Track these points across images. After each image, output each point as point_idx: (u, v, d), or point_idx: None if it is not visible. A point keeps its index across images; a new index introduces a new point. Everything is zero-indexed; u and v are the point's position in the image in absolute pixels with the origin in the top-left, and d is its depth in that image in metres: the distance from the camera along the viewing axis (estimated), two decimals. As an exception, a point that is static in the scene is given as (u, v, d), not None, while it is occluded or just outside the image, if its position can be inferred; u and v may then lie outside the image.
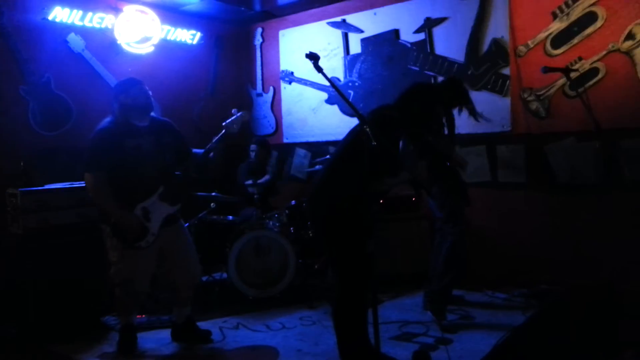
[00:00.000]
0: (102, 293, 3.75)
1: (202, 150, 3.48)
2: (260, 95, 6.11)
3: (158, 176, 3.26)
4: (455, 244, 3.58)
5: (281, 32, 5.90)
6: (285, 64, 5.89)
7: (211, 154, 3.44)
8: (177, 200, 3.35)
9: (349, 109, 5.22)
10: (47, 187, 3.83)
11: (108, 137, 3.16)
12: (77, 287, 3.69)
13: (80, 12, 4.65)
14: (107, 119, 3.27)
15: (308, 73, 5.67)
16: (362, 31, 5.28)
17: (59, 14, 4.53)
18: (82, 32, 4.68)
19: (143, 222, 3.17)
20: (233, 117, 3.46)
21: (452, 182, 3.55)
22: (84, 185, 3.83)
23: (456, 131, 3.60)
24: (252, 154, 5.04)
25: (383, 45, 5.12)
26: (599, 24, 3.96)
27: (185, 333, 3.48)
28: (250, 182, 4.52)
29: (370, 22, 5.22)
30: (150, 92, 3.33)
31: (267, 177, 4.91)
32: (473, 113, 3.64)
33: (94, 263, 3.75)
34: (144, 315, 3.83)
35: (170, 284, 3.45)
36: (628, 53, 3.84)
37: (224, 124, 3.45)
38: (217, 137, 3.43)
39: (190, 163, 3.51)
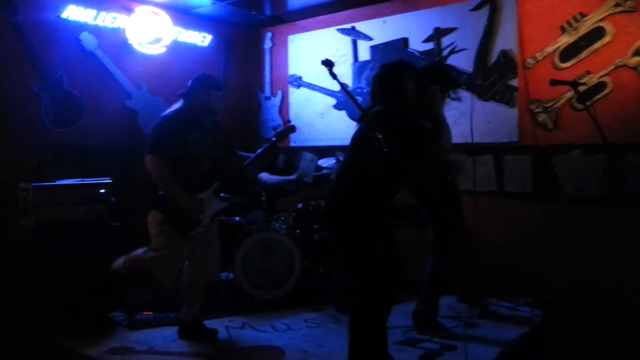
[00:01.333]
0: (110, 289, 3.78)
1: (247, 154, 3.60)
2: (268, 98, 6.17)
3: (214, 171, 3.36)
4: (436, 266, 3.55)
5: (290, 37, 5.96)
6: (293, 69, 5.95)
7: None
8: (228, 198, 3.45)
9: (357, 114, 5.26)
10: (58, 182, 3.86)
11: (173, 125, 3.25)
12: (85, 282, 3.72)
13: (94, 12, 4.70)
14: (175, 107, 3.37)
15: (316, 78, 5.72)
16: (371, 39, 5.35)
17: (73, 13, 4.57)
18: (95, 31, 4.73)
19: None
20: (284, 128, 3.67)
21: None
22: (95, 182, 3.93)
23: (456, 133, 3.56)
24: None
25: (392, 53, 5.18)
26: (607, 39, 4.02)
27: (193, 331, 3.51)
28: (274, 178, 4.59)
29: (379, 30, 5.28)
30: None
31: (293, 176, 4.91)
32: (455, 85, 3.62)
33: (103, 259, 3.78)
34: (151, 312, 3.86)
35: (190, 278, 3.48)
36: (636, 68, 3.90)
37: (274, 133, 3.59)
38: (267, 145, 3.54)
39: (235, 164, 3.59)
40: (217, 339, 3.51)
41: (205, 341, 3.48)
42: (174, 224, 3.20)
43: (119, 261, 3.48)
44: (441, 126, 2.71)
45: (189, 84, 3.41)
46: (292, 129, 3.71)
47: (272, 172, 4.86)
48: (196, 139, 3.28)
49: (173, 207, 3.18)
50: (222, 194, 3.41)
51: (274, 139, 3.54)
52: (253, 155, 3.55)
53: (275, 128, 5.57)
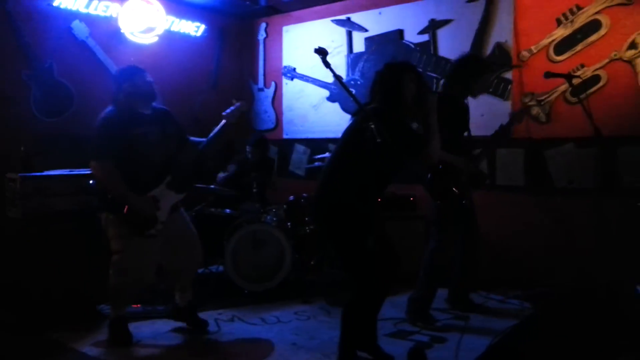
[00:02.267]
0: (98, 281, 3.74)
1: (200, 139, 3.49)
2: (261, 90, 6.12)
3: (165, 164, 3.27)
4: (435, 251, 3.54)
5: (285, 28, 5.91)
6: (287, 60, 5.90)
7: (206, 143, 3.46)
8: (183, 189, 3.37)
9: (350, 106, 5.23)
10: (46, 173, 3.82)
11: (114, 125, 3.14)
12: (74, 274, 3.69)
13: (86, 0, 4.64)
14: (111, 107, 3.24)
15: (310, 70, 5.68)
16: (366, 30, 5.30)
17: (65, 1, 4.52)
18: (87, 19, 4.68)
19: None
20: (232, 107, 3.47)
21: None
22: (84, 172, 3.88)
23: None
24: (249, 155, 4.98)
25: (387, 44, 5.14)
26: (602, 32, 3.99)
27: (186, 315, 3.52)
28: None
29: (374, 22, 5.24)
30: (152, 80, 3.33)
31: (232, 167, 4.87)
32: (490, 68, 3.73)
33: (91, 250, 3.75)
34: (139, 305, 3.83)
35: (174, 270, 3.47)
36: (630, 62, 3.88)
37: (223, 113, 3.46)
38: (217, 128, 3.44)
39: (189, 151, 3.50)
40: (207, 330, 3.49)
41: (196, 328, 3.48)
42: (130, 223, 3.13)
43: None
44: (431, 135, 2.70)
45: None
46: (243, 106, 3.51)
47: (263, 165, 4.83)
48: (139, 133, 3.17)
49: (126, 209, 3.10)
50: (178, 185, 3.32)
51: (223, 121, 3.44)
52: (206, 139, 3.45)
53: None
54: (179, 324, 3.57)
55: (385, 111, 2.68)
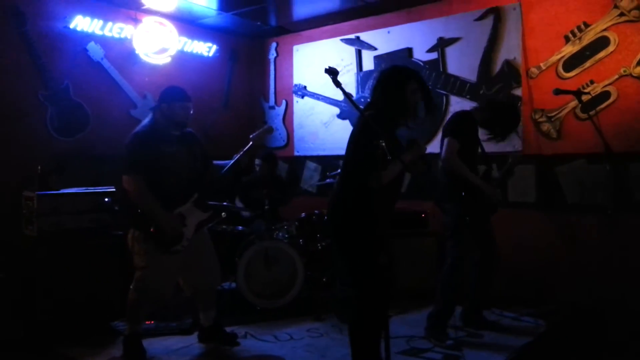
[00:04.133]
0: (112, 298, 3.78)
1: (223, 162, 3.56)
2: (272, 108, 6.20)
3: (192, 183, 3.35)
4: (452, 266, 3.55)
5: (295, 47, 6.00)
6: (298, 78, 5.98)
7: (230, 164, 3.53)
8: (209, 207, 3.44)
9: (360, 124, 5.27)
10: (62, 191, 3.89)
11: (146, 141, 3.21)
12: (88, 291, 3.73)
13: (101, 22, 4.75)
14: (145, 122, 3.33)
15: (321, 88, 5.75)
16: (375, 48, 5.37)
17: (80, 23, 4.63)
18: (102, 41, 4.79)
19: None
20: (260, 130, 3.58)
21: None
22: (100, 190, 3.95)
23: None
24: (257, 168, 5.05)
25: (396, 63, 5.19)
26: (611, 48, 4.02)
27: (213, 335, 3.55)
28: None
29: (383, 40, 5.31)
30: (192, 109, 3.38)
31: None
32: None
33: (106, 268, 3.81)
34: (152, 322, 3.85)
35: (193, 289, 3.49)
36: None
37: (251, 136, 3.55)
38: (244, 149, 3.52)
39: (214, 172, 3.57)
40: (238, 342, 3.54)
41: (226, 345, 3.51)
42: (155, 241, 3.17)
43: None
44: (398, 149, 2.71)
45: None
46: (270, 129, 3.65)
47: (273, 184, 4.87)
48: (170, 152, 3.24)
49: (154, 225, 3.15)
50: (205, 203, 3.39)
51: (250, 143, 3.51)
52: (229, 162, 3.52)
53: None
54: (191, 340, 3.59)
55: (379, 114, 2.68)
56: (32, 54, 4.32)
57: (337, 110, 5.66)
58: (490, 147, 3.86)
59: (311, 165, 5.82)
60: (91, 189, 3.99)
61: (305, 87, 5.91)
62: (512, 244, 4.37)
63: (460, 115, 3.67)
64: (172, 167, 3.24)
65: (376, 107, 2.77)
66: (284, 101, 6.10)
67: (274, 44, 6.18)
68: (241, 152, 3.52)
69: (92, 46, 4.72)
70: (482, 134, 3.71)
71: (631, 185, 3.90)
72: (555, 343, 3.55)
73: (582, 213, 4.12)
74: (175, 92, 3.36)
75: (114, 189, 4.06)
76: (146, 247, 3.21)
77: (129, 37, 4.96)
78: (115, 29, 4.88)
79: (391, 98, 2.73)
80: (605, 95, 4.03)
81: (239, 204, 4.92)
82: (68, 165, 4.32)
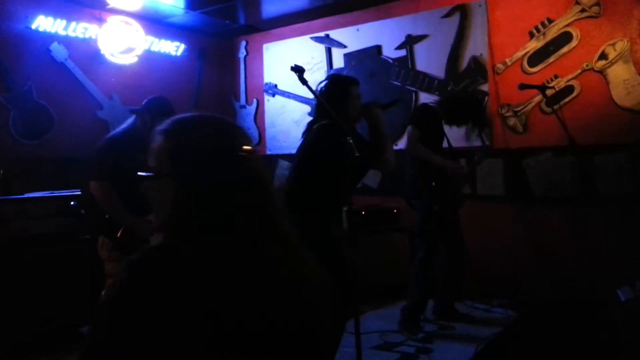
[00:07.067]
0: (82, 304, 3.70)
1: None
2: (243, 107, 6.15)
3: None
4: (422, 261, 3.61)
5: (265, 46, 5.97)
6: (268, 77, 5.95)
7: None
8: None
9: (331, 122, 5.28)
10: (26, 195, 3.79)
11: (120, 149, 3.09)
12: (55, 297, 3.64)
13: (64, 22, 4.64)
14: (124, 127, 3.22)
15: (291, 86, 5.73)
16: (345, 46, 5.38)
17: (43, 23, 4.51)
18: (66, 41, 4.67)
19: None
20: None
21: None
22: (65, 194, 3.86)
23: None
24: None
25: (365, 60, 5.22)
26: (573, 43, 4.11)
27: None
28: None
29: (353, 38, 5.32)
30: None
31: None
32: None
33: (73, 273, 3.72)
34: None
35: None
36: (601, 72, 3.99)
37: None
38: None
39: None
40: None
41: None
42: (124, 247, 3.08)
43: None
44: (386, 142, 2.77)
45: (143, 103, 3.28)
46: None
47: None
48: (144, 161, 3.16)
49: (120, 232, 3.06)
50: None
51: None
52: None
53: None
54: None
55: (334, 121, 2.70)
56: (-7, 56, 4.21)
57: (308, 108, 5.65)
58: (457, 142, 3.92)
59: (283, 164, 5.80)
60: (56, 193, 3.90)
61: (276, 85, 5.89)
62: (482, 237, 4.44)
63: (421, 106, 3.79)
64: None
65: (326, 118, 2.76)
66: (255, 100, 6.06)
67: (243, 43, 6.13)
68: None
69: (55, 47, 4.61)
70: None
71: (596, 177, 4.00)
72: (525, 332, 3.60)
73: (550, 205, 4.21)
74: (162, 106, 3.26)
75: (80, 192, 3.97)
76: (117, 254, 3.15)
77: (93, 37, 4.86)
78: (80, 29, 4.77)
79: (339, 105, 2.73)
80: (569, 89, 4.12)
81: None
82: (33, 169, 4.22)
